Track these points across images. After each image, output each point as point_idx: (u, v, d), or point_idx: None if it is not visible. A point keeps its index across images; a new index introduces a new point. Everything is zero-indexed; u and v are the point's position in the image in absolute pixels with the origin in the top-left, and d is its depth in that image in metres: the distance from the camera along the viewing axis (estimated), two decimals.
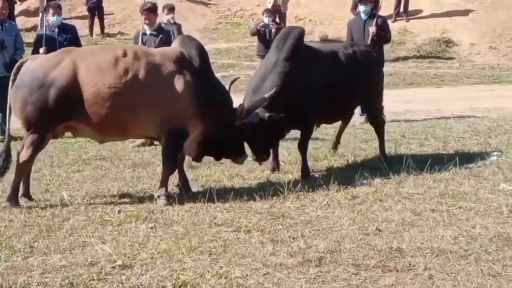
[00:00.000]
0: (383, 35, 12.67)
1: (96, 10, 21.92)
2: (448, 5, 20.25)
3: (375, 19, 12.60)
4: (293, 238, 6.28)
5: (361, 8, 12.72)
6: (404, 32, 19.48)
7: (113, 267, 5.63)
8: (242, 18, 23.25)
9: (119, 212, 7.18)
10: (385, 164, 8.70)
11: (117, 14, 22.96)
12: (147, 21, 11.02)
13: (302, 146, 8.72)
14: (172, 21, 13.51)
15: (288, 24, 20.88)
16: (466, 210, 7.02)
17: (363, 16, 12.71)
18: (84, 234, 6.48)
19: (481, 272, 5.44)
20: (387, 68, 17.43)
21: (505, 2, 18.93)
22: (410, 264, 5.63)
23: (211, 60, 18.84)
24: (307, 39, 19.52)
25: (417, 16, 20.61)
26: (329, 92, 8.55)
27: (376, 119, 9.55)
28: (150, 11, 10.98)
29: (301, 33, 8.71)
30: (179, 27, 13.49)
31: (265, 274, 5.47)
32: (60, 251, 6.02)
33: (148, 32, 11.07)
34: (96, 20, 22.47)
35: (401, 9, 20.78)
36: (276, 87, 8.08)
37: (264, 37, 15.11)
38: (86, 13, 22.56)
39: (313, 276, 5.42)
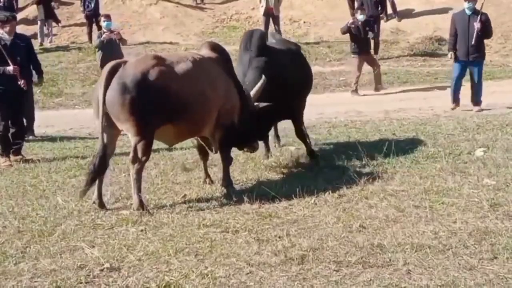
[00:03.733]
0: (487, 30, 13.55)
1: (93, 17, 22.06)
2: (438, 3, 20.44)
3: (479, 15, 13.45)
4: (279, 237, 6.43)
5: (466, 4, 13.51)
6: (397, 32, 19.65)
7: (101, 270, 5.80)
8: (238, 22, 23.42)
9: (111, 216, 7.35)
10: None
11: (114, 20, 23.04)
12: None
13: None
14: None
15: (282, 26, 21.11)
16: (448, 205, 7.16)
17: (467, 11, 13.49)
18: (75, 238, 6.65)
19: (458, 266, 5.60)
20: (381, 67, 17.67)
21: (493, 0, 19.13)
22: (390, 260, 5.77)
23: None
24: (302, 41, 19.78)
25: (409, 15, 20.77)
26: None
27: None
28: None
29: (263, 34, 9.63)
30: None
31: (248, 273, 5.62)
32: (50, 255, 6.18)
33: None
34: (95, 27, 22.60)
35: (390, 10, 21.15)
36: (264, 78, 8.74)
37: (355, 35, 15.65)
38: (84, 21, 22.71)
39: (294, 274, 5.57)
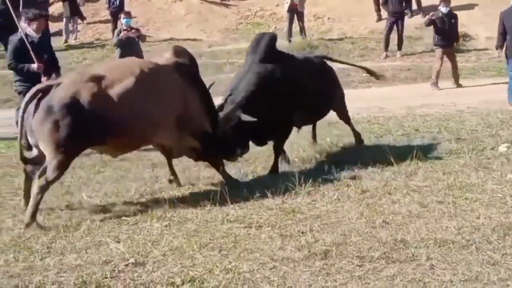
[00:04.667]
0: None
1: (118, 14, 22.16)
2: (464, 0, 20.32)
3: None
4: (302, 233, 6.46)
5: None
6: (421, 28, 19.53)
7: (126, 265, 5.86)
8: (262, 18, 23.45)
9: (135, 211, 7.42)
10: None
11: (140, 17, 23.22)
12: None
13: (278, 148, 9.16)
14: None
15: (306, 23, 21.11)
16: (471, 201, 7.16)
17: None
18: (100, 233, 6.73)
19: (481, 261, 5.60)
20: (405, 63, 17.62)
21: None
22: (413, 255, 5.78)
23: (232, 60, 19.19)
24: (325, 37, 19.77)
25: (434, 11, 20.68)
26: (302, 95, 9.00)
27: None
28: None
29: (273, 38, 9.08)
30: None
31: (272, 268, 5.66)
32: (76, 250, 6.26)
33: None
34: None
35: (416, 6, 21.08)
36: (243, 96, 8.47)
37: (439, 27, 15.64)
38: (109, 17, 22.85)
39: (318, 269, 5.60)
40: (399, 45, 18.86)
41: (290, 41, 20.15)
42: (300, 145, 10.24)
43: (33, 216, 7.04)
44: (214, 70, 18.14)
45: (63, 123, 7.13)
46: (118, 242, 6.43)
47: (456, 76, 16.00)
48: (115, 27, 22.11)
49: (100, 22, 23.80)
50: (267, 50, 8.84)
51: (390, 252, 5.88)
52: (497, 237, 6.11)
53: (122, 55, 14.22)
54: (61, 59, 19.58)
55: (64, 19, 22.61)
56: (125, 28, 15.10)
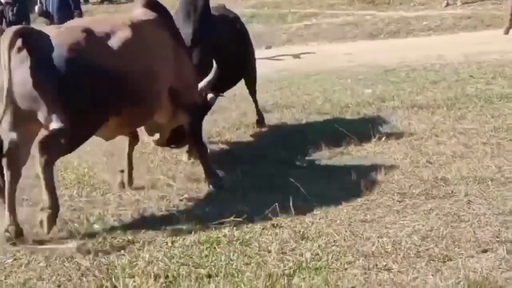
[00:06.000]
0: None
1: None
2: None
3: None
4: (347, 172, 6.76)
5: None
6: None
7: (181, 200, 6.30)
8: None
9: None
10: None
11: None
12: None
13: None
14: None
15: None
16: None
17: None
18: (159, 172, 7.15)
19: None
20: (466, 11, 17.54)
21: None
22: (452, 192, 6.05)
23: (296, 10, 19.41)
24: None
25: None
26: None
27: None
28: None
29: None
30: None
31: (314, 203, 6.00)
32: (135, 187, 6.70)
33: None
34: None
35: None
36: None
37: None
38: None
39: (359, 204, 5.92)
40: None
41: None
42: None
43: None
44: (277, 19, 18.39)
45: (73, 81, 5.46)
46: (174, 181, 6.84)
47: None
48: None
49: None
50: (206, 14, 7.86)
51: (430, 189, 6.15)
52: None
53: None
54: (128, 11, 20.28)
55: None
56: None
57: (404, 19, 17.64)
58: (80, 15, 12.90)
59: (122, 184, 6.72)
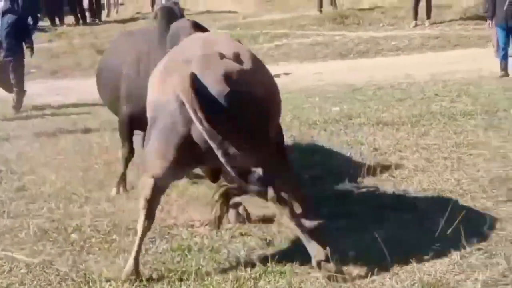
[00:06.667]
0: None
1: None
2: None
3: None
4: (313, 184, 7.06)
5: None
6: None
7: None
8: None
9: None
10: None
11: None
12: None
13: None
14: None
15: None
16: (475, 156, 7.71)
17: None
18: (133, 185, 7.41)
19: (473, 207, 6.17)
20: (434, 31, 17.99)
21: None
22: (413, 203, 6.37)
23: (267, 31, 19.73)
24: (356, 7, 19.98)
25: None
26: None
27: None
28: None
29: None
30: None
31: None
32: (110, 200, 6.99)
33: None
34: None
35: None
36: None
37: None
38: None
39: (323, 214, 6.21)
40: (428, 14, 19.18)
41: (321, 11, 20.70)
42: None
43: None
44: (249, 40, 18.73)
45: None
46: None
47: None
48: (153, 1, 22.90)
49: None
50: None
51: (391, 201, 6.47)
52: (493, 187, 6.66)
53: None
54: (103, 32, 20.58)
55: None
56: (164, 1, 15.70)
57: (373, 39, 18.07)
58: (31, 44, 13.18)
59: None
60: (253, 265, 5.10)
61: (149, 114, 5.13)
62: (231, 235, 5.76)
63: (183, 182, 7.23)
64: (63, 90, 15.35)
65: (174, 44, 5.77)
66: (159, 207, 6.44)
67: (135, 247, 5.04)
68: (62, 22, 22.86)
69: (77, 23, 22.83)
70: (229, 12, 22.23)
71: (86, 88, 12.11)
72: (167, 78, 4.96)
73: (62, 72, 18.25)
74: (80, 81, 15.97)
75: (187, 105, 4.64)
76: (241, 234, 5.77)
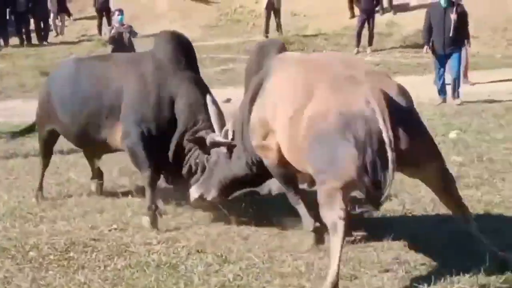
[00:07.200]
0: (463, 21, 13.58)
1: (104, 10, 23.02)
2: None
3: (455, 7, 13.48)
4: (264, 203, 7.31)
5: None
6: (391, 25, 20.50)
7: (110, 230, 6.75)
8: (242, 15, 24.39)
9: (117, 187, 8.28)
10: None
11: (125, 14, 24.06)
12: None
13: None
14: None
15: (283, 20, 21.98)
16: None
17: (442, 3, 13.58)
18: (86, 205, 7.60)
19: (416, 225, 6.51)
20: (375, 58, 18.53)
21: None
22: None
23: (214, 55, 20.07)
24: (301, 33, 20.49)
25: (404, 9, 21.65)
26: None
27: None
28: None
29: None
30: None
31: None
32: (65, 219, 7.14)
33: None
34: (105, 20, 23.54)
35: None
36: None
37: None
38: (95, 14, 23.69)
39: (275, 232, 6.47)
40: (370, 41, 19.73)
41: (267, 37, 21.11)
42: None
43: None
44: None
45: None
46: (103, 212, 7.30)
47: None
48: (100, 23, 23.04)
49: (86, 18, 24.62)
50: None
51: None
52: (433, 207, 7.01)
53: (115, 51, 14.90)
54: (48, 54, 20.63)
55: (52, 15, 23.43)
56: (116, 25, 15.87)
57: None
58: None
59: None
60: (210, 280, 5.32)
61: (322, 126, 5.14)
62: (187, 252, 5.97)
63: (139, 200, 7.50)
64: (6, 111, 15.39)
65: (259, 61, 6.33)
66: (115, 225, 6.85)
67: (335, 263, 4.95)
68: (6, 43, 22.83)
69: (21, 44, 22.81)
70: None
71: (30, 109, 12.19)
72: (346, 90, 5.19)
73: (5, 93, 18.28)
74: (24, 102, 16.00)
75: (378, 114, 4.89)
76: (198, 251, 5.98)
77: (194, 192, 6.70)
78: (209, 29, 23.37)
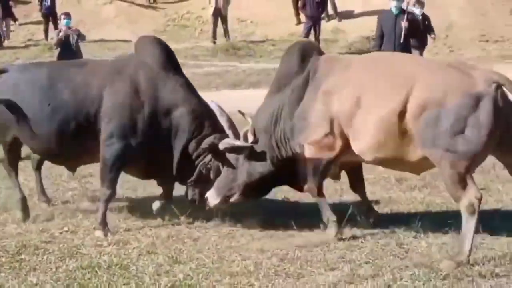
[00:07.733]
0: (414, 29, 13.61)
1: (50, 15, 22.86)
2: (377, 5, 21.58)
3: (406, 14, 13.40)
4: None
5: (393, 3, 13.38)
6: (337, 31, 20.86)
7: (61, 233, 6.82)
8: (189, 21, 24.49)
9: (65, 192, 8.36)
10: None
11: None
12: None
13: None
14: None
15: (230, 26, 22.17)
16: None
17: (394, 10, 13.44)
18: (37, 208, 7.67)
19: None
20: None
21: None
22: (309, 222, 6.86)
23: None
24: (248, 39, 20.66)
25: (349, 16, 22.03)
26: None
27: None
28: None
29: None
30: None
31: None
32: (16, 222, 7.18)
33: None
34: (51, 25, 23.37)
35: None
36: None
37: None
38: (41, 19, 23.55)
39: (225, 233, 6.62)
40: None
41: (214, 42, 21.31)
42: None
43: None
44: None
45: None
46: (53, 216, 7.35)
47: None
48: (46, 28, 22.88)
49: (32, 23, 24.46)
50: None
51: (289, 220, 6.92)
52: (378, 208, 7.28)
53: (60, 54, 14.80)
54: None
55: None
56: (63, 28, 15.75)
57: (264, 70, 18.69)
58: None
59: None
60: (161, 280, 5.44)
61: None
62: (138, 253, 6.09)
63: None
64: None
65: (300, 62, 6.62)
66: (66, 228, 6.92)
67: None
68: None
69: None
70: (124, 41, 22.42)
71: None
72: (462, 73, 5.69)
73: None
74: None
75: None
76: (148, 252, 6.11)
77: (213, 196, 6.67)
78: (156, 34, 22.83)
